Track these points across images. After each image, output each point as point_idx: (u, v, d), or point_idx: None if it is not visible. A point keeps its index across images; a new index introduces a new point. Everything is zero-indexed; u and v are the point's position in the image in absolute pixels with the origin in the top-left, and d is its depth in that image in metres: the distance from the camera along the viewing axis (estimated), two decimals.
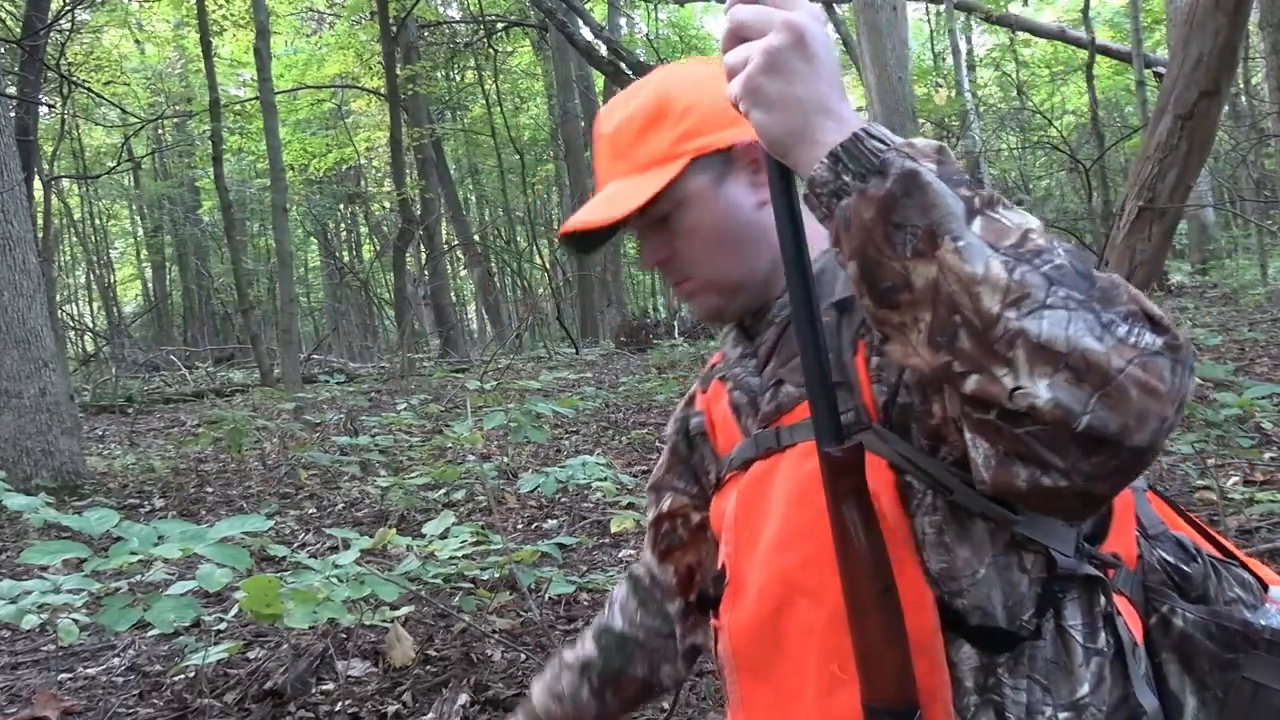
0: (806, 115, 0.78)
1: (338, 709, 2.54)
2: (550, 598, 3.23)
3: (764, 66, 0.78)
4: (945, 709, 0.85)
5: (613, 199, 1.03)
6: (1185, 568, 0.98)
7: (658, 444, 6.05)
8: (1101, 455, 0.70)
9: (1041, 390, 0.69)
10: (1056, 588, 0.87)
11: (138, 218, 26.46)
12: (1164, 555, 0.99)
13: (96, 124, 20.25)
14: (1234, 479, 3.81)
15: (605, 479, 3.67)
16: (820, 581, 0.90)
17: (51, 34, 12.66)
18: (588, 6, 15.41)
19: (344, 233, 28.91)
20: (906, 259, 0.72)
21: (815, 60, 0.78)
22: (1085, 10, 10.54)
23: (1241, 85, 16.49)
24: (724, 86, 0.84)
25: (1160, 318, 0.71)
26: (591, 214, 1.03)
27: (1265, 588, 1.01)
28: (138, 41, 21.55)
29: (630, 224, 1.05)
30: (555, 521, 4.46)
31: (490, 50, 18.99)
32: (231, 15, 16.36)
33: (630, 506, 3.58)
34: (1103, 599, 0.89)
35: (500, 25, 19.12)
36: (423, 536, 2.97)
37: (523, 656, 2.77)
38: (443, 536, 2.91)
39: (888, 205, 0.73)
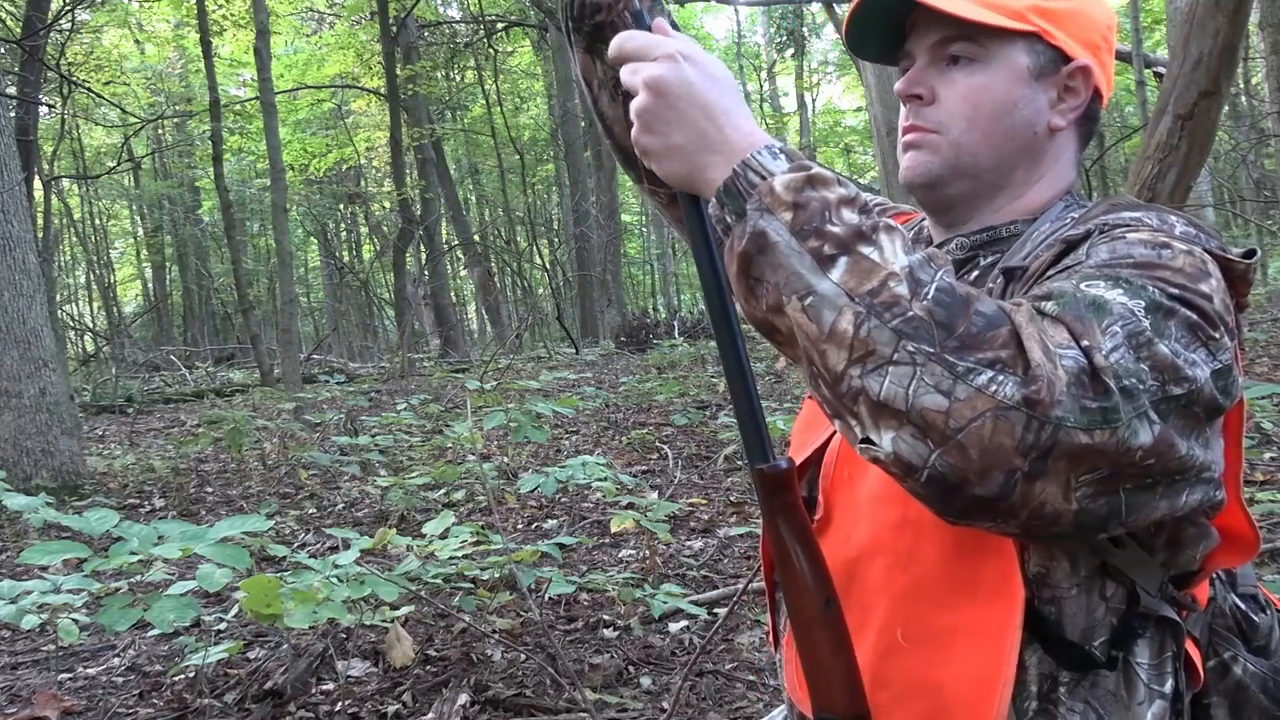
0: (691, 158, 0.82)
1: (338, 709, 2.54)
2: (550, 598, 3.23)
3: (640, 129, 0.84)
4: (1001, 702, 0.85)
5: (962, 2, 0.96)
6: (1255, 617, 0.99)
7: (658, 444, 6.06)
8: (954, 501, 0.71)
9: (885, 443, 0.70)
10: (1135, 623, 0.87)
11: (138, 218, 26.47)
12: (1237, 602, 0.99)
13: (96, 124, 20.24)
14: None
15: (605, 479, 3.67)
16: (912, 545, 0.90)
17: (51, 34, 12.66)
18: None
19: (344, 233, 28.92)
20: (766, 311, 0.76)
21: (682, 103, 0.81)
22: None
23: (1241, 85, 16.50)
24: (1102, 19, 0.97)
25: (1036, 365, 0.68)
26: None
27: None
28: (138, 41, 21.55)
29: (915, 39, 1.00)
30: (555, 521, 4.46)
31: (490, 50, 18.99)
32: (231, 15, 16.35)
33: (630, 506, 3.57)
34: (1174, 643, 0.89)
35: (500, 25, 19.12)
36: (423, 536, 2.97)
37: (523, 656, 2.77)
38: (443, 536, 2.91)
39: (744, 262, 0.76)
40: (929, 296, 0.70)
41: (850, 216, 0.74)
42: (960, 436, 0.67)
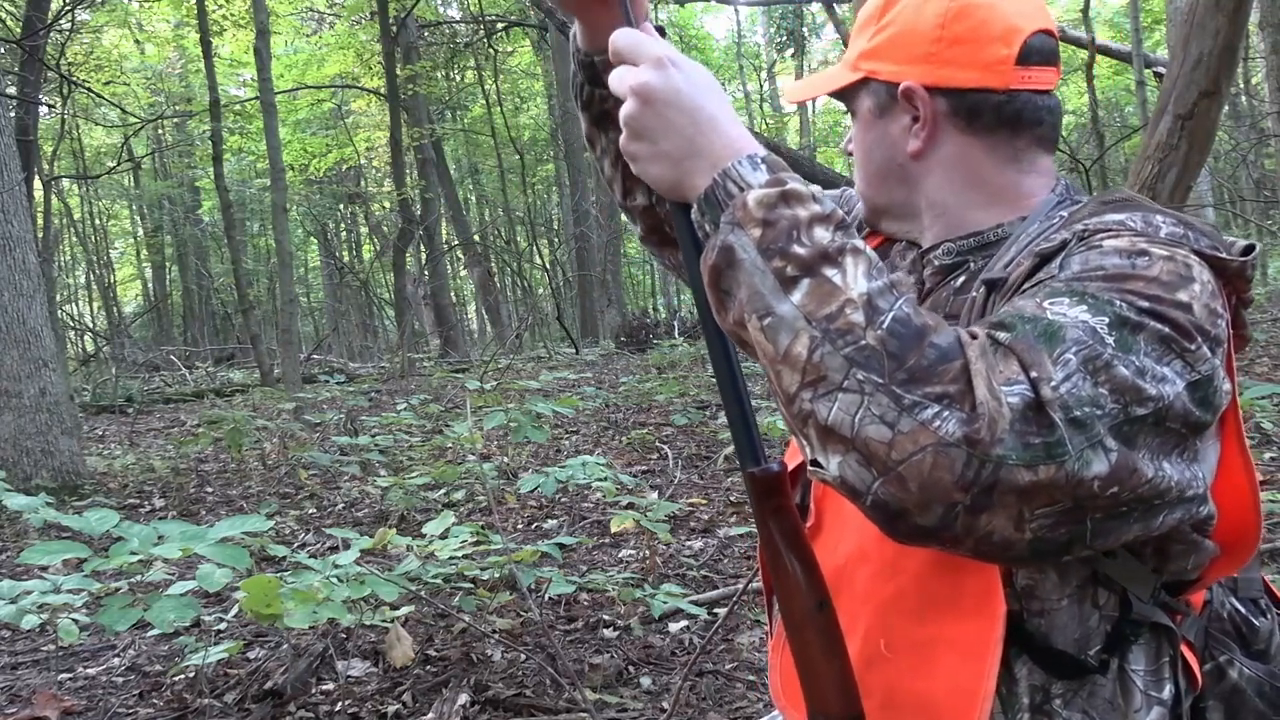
0: (678, 163, 0.82)
1: (338, 709, 2.54)
2: (550, 598, 3.23)
3: (628, 136, 0.84)
4: (981, 715, 0.85)
5: (820, 81, 1.09)
6: (1254, 621, 0.98)
7: (658, 444, 6.05)
8: (899, 527, 0.71)
9: (832, 467, 0.71)
10: (1127, 630, 0.87)
11: (138, 218, 26.46)
12: (1236, 606, 0.98)
13: (96, 124, 20.23)
14: None
15: (605, 479, 3.67)
16: (895, 557, 0.90)
17: (51, 34, 12.65)
18: None
19: (344, 233, 28.91)
20: (733, 324, 0.77)
21: (670, 109, 0.82)
22: (1085, 10, 10.53)
23: (1241, 85, 16.51)
24: (927, 24, 0.97)
25: (980, 402, 0.67)
26: (802, 86, 1.14)
27: None
28: (138, 41, 21.53)
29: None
30: (555, 521, 4.46)
31: (490, 50, 18.98)
32: (231, 15, 16.35)
33: (630, 506, 3.57)
34: (1170, 648, 0.89)
35: (500, 25, 19.11)
36: (423, 536, 2.97)
37: (523, 656, 2.77)
38: (443, 536, 2.91)
39: (714, 275, 0.77)
40: (883, 326, 0.70)
41: (821, 235, 0.74)
42: (900, 469, 0.68)
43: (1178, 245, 0.82)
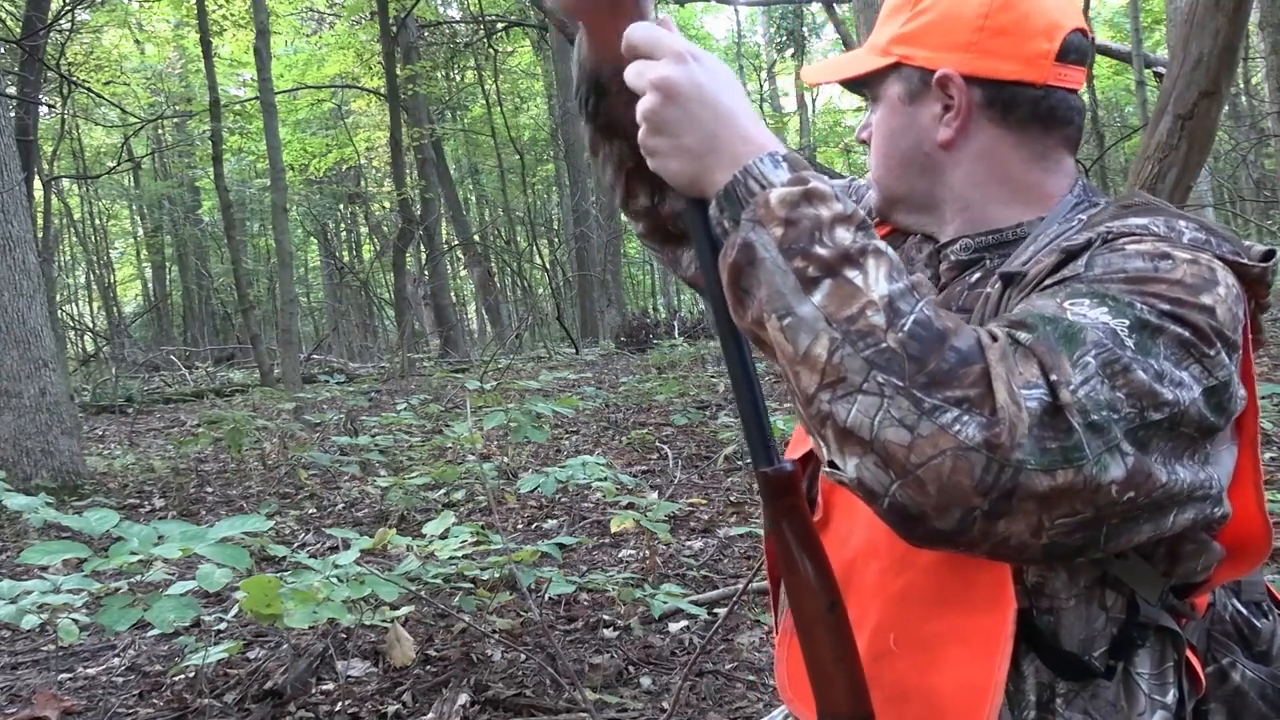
0: (699, 159, 0.81)
1: (338, 709, 2.54)
2: (550, 598, 3.23)
3: (648, 130, 0.83)
4: (991, 711, 0.85)
5: (842, 64, 1.07)
6: (1256, 623, 0.98)
7: (658, 444, 6.05)
8: (915, 529, 0.70)
9: (849, 469, 0.71)
10: (1134, 633, 0.87)
11: (138, 218, 26.47)
12: (1239, 608, 0.98)
13: (96, 124, 20.25)
14: None
15: (605, 479, 3.67)
16: (906, 551, 0.89)
17: (51, 34, 12.66)
18: None
19: (344, 233, 28.91)
20: (751, 323, 0.76)
21: (692, 104, 0.80)
22: (1085, 10, 10.56)
23: (1241, 85, 16.51)
24: (972, 11, 0.95)
25: (1001, 407, 0.67)
26: (821, 68, 1.11)
27: None
28: (138, 41, 21.53)
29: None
30: (555, 521, 4.46)
31: (490, 50, 18.99)
32: (231, 15, 16.35)
33: (630, 506, 3.57)
34: (1175, 652, 0.89)
35: (500, 25, 19.12)
36: (423, 536, 2.97)
37: (523, 656, 2.77)
38: (443, 536, 2.91)
39: (734, 273, 0.76)
40: (904, 329, 0.70)
41: (843, 236, 0.73)
42: (919, 472, 0.67)
43: (1200, 250, 0.82)
